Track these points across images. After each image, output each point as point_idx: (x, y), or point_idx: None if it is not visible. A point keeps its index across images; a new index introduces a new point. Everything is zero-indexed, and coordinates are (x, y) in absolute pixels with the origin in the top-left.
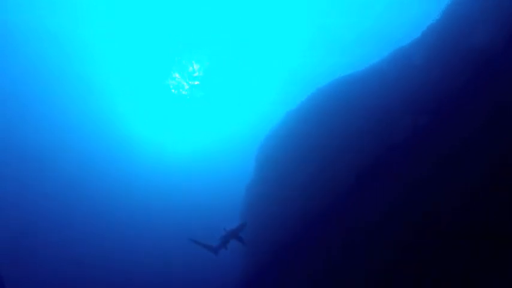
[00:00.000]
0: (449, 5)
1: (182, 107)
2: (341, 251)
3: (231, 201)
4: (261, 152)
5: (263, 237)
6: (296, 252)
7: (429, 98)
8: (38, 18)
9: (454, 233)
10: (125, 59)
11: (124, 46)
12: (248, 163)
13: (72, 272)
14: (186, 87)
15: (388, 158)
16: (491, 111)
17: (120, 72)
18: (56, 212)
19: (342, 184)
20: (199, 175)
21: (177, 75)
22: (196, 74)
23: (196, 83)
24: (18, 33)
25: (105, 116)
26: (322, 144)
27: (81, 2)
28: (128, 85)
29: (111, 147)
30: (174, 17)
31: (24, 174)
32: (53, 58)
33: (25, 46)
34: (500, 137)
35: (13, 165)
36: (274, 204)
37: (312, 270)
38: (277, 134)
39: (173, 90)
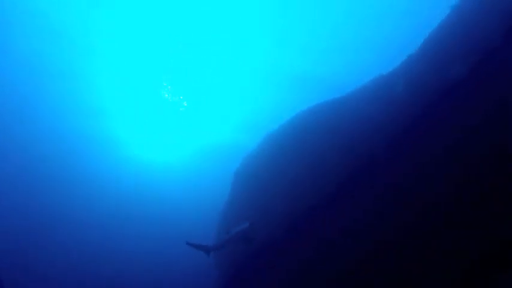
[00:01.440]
0: (432, 32)
1: (169, 115)
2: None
3: (210, 213)
4: (239, 174)
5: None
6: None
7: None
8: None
9: (451, 234)
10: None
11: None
12: (227, 181)
13: (70, 275)
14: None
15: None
16: (475, 130)
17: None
18: (54, 214)
19: (322, 207)
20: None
21: (164, 83)
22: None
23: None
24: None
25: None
26: (302, 167)
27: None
28: (119, 88)
29: (103, 153)
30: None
31: (21, 177)
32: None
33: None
34: (485, 150)
35: (8, 169)
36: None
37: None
38: (257, 155)
39: (166, 96)
